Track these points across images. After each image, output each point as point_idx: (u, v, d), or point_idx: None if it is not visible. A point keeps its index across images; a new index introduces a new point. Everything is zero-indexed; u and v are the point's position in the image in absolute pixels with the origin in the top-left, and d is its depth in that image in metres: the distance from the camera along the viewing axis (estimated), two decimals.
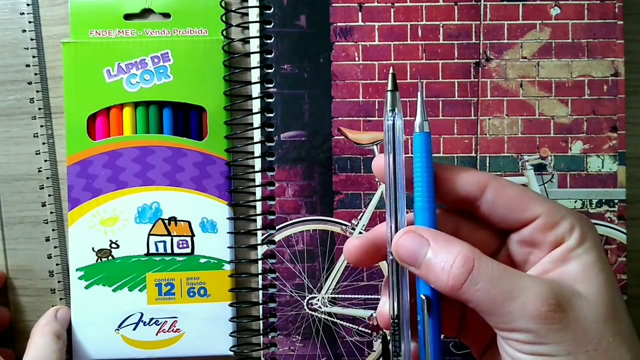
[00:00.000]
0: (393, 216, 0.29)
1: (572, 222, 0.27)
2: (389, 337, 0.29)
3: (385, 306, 0.30)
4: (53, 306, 0.47)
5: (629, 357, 0.25)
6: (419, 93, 0.29)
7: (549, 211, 0.27)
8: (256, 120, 0.47)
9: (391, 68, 0.30)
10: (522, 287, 0.25)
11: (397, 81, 0.30)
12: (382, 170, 0.29)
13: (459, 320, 0.32)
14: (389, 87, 0.29)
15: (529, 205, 0.27)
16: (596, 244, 0.27)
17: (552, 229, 0.27)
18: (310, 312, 0.47)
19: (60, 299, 0.48)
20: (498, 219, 0.28)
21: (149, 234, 0.47)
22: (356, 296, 0.46)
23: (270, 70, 0.47)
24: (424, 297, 0.28)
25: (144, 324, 0.47)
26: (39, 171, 0.48)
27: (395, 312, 0.29)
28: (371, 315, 0.46)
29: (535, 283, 0.26)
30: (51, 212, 0.48)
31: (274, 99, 0.47)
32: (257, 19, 0.47)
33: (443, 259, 0.26)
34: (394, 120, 0.29)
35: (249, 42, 0.47)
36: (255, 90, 0.47)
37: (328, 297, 0.47)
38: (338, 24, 0.46)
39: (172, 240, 0.47)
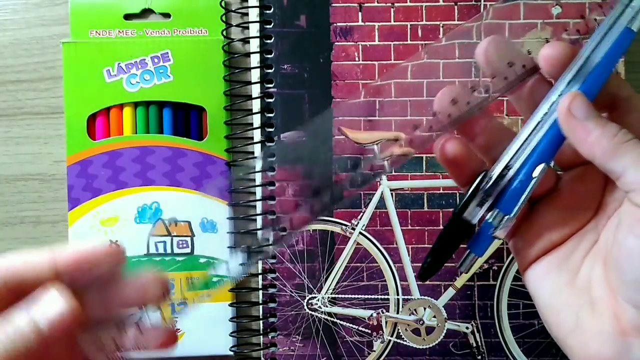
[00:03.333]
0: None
1: None
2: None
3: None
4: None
5: None
6: None
7: None
8: (256, 120, 0.47)
9: None
10: None
11: (398, 81, 0.30)
12: (560, 57, 0.29)
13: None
14: None
15: None
16: None
17: None
18: (310, 312, 0.47)
19: None
20: (625, 127, 0.28)
21: (149, 234, 0.47)
22: (356, 296, 0.46)
23: (270, 70, 0.47)
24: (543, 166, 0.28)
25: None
26: (39, 171, 0.48)
27: (510, 163, 0.29)
28: (371, 315, 0.46)
29: None
30: (51, 212, 0.48)
31: (274, 99, 0.47)
32: (257, 19, 0.47)
33: (610, 124, 0.27)
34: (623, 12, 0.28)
35: (249, 42, 0.47)
36: (255, 90, 0.47)
37: (328, 297, 0.47)
38: (338, 24, 0.46)
39: (172, 240, 0.47)
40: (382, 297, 0.46)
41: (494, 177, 0.29)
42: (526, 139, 0.29)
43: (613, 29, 0.28)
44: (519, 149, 0.29)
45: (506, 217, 0.29)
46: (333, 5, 0.46)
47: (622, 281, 0.27)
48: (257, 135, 0.47)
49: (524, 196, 0.29)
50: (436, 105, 0.31)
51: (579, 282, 0.29)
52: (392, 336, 0.46)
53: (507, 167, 0.29)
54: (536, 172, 0.29)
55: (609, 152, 0.26)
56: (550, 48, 0.29)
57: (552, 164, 0.29)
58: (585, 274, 0.29)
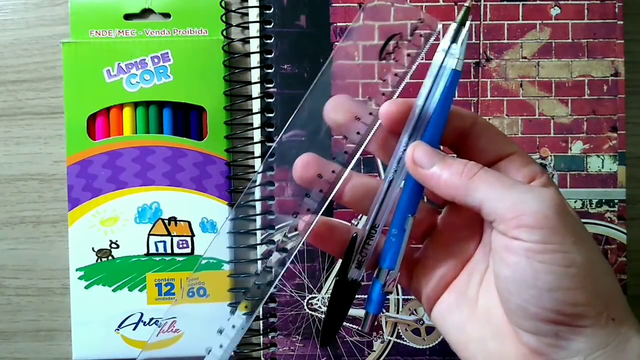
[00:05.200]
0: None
1: (540, 167, 0.29)
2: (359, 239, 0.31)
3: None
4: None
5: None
6: (466, 26, 0.29)
7: (521, 151, 0.29)
8: (256, 120, 0.47)
9: (469, 1, 0.29)
10: (525, 185, 0.27)
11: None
12: (398, 113, 0.30)
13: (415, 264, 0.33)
14: (460, 20, 0.29)
15: (507, 142, 0.30)
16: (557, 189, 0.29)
17: (526, 166, 0.29)
18: (310, 312, 0.47)
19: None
20: (480, 151, 0.30)
21: (149, 234, 0.47)
22: (356, 296, 0.46)
23: (270, 70, 0.47)
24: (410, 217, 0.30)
25: (144, 324, 0.47)
26: (39, 171, 0.48)
27: (375, 222, 0.31)
28: None
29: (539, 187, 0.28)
30: (51, 212, 0.48)
31: (274, 99, 0.47)
32: (257, 19, 0.47)
33: (456, 163, 0.28)
34: (445, 57, 0.29)
35: (249, 42, 0.47)
36: (255, 90, 0.47)
37: (328, 297, 0.46)
38: (338, 24, 0.46)
39: (172, 240, 0.47)
40: None
41: (364, 239, 0.31)
42: (384, 196, 0.31)
43: (440, 75, 0.29)
44: (379, 207, 0.31)
45: (390, 271, 0.31)
46: (333, 5, 0.46)
47: (507, 309, 0.28)
48: (257, 135, 0.47)
49: (401, 250, 0.30)
50: (305, 184, 0.32)
51: (479, 312, 0.30)
52: (392, 336, 0.46)
53: (374, 227, 0.31)
54: (407, 226, 0.30)
55: (463, 190, 0.27)
56: (387, 106, 0.30)
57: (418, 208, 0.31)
58: (483, 303, 0.30)
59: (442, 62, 0.29)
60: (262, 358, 0.47)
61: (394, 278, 0.31)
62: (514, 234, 0.26)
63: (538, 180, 0.28)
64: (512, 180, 0.27)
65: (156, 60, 0.47)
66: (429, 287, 0.31)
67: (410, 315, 0.46)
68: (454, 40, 0.29)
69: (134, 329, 0.47)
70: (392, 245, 0.31)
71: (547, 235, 0.25)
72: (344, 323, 0.47)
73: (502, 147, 0.29)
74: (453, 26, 0.29)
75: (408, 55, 0.32)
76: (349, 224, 0.33)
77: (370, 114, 0.32)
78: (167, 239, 0.47)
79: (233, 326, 0.38)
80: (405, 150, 0.29)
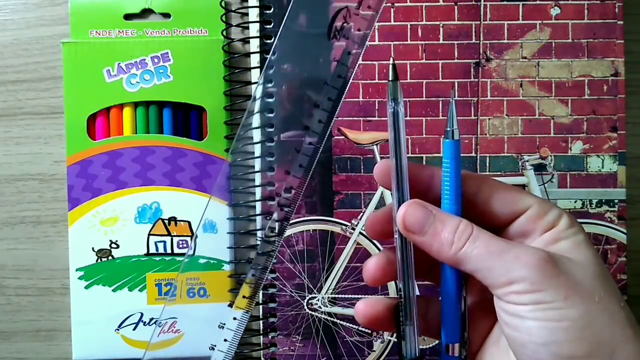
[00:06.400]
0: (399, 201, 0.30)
1: (560, 211, 0.29)
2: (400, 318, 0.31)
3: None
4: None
5: (623, 313, 0.27)
6: (452, 101, 0.30)
7: (539, 202, 0.29)
8: (256, 120, 0.47)
9: (391, 58, 0.30)
10: (516, 246, 0.27)
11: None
12: (384, 174, 0.30)
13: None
14: (390, 78, 0.30)
15: (521, 197, 0.29)
16: (583, 228, 0.29)
17: (543, 217, 0.28)
18: (310, 312, 0.47)
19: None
20: (492, 214, 0.29)
21: (149, 234, 0.47)
22: (356, 296, 0.46)
23: (270, 71, 0.47)
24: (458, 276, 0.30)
25: (144, 324, 0.47)
26: (39, 171, 0.48)
27: (402, 293, 0.30)
28: None
29: (529, 246, 0.28)
30: (51, 212, 0.48)
31: (274, 99, 0.47)
32: (257, 19, 0.47)
33: (448, 224, 0.28)
34: (394, 109, 0.30)
35: (249, 42, 0.47)
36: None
37: (328, 297, 0.47)
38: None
39: (172, 240, 0.47)
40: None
41: (402, 307, 0.30)
42: (404, 254, 0.30)
43: (398, 126, 0.30)
44: (405, 269, 0.30)
45: (456, 345, 0.30)
46: (333, 5, 0.46)
47: None
48: (257, 135, 0.47)
49: (459, 318, 0.30)
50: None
51: None
52: (392, 336, 0.46)
53: (401, 291, 0.30)
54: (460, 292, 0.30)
55: (454, 261, 0.28)
56: (376, 166, 0.31)
57: None
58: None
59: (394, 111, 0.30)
60: (262, 358, 0.47)
61: (465, 347, 0.30)
62: (507, 299, 0.27)
63: (555, 228, 0.28)
64: (505, 244, 0.27)
65: (156, 60, 0.47)
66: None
67: None
68: (394, 96, 0.30)
69: (134, 329, 0.47)
70: (450, 314, 0.30)
71: (538, 297, 0.26)
72: (344, 323, 0.47)
73: (516, 205, 0.29)
74: (390, 85, 0.30)
75: (359, 30, 0.32)
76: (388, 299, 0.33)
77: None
78: (167, 239, 0.47)
79: (234, 318, 0.38)
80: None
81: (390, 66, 0.30)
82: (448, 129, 0.29)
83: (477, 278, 0.28)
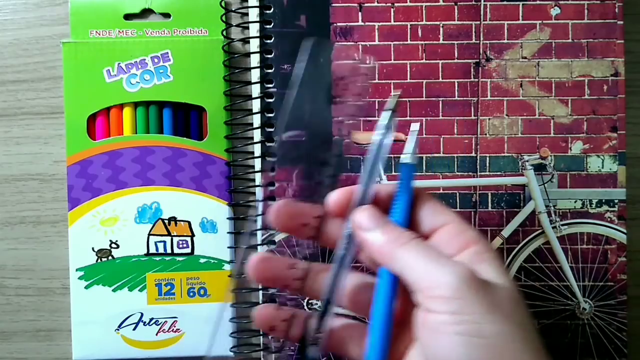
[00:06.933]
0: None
1: (478, 234, 0.30)
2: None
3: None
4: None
5: (537, 342, 0.27)
6: (416, 128, 0.31)
7: (459, 220, 0.30)
8: (256, 120, 0.47)
9: (400, 90, 0.31)
10: (448, 258, 0.28)
11: (397, 81, 0.30)
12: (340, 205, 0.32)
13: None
14: (390, 107, 0.31)
15: (444, 213, 0.31)
16: (498, 255, 0.30)
17: (459, 235, 0.30)
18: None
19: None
20: (418, 223, 0.31)
21: (149, 234, 0.47)
22: None
23: (270, 70, 0.47)
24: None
25: (144, 324, 0.47)
26: (39, 171, 0.48)
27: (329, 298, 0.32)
28: None
29: (459, 261, 0.29)
30: (51, 212, 0.48)
31: (274, 99, 0.47)
32: (257, 19, 0.47)
33: (395, 231, 0.30)
34: (381, 139, 0.31)
35: (249, 42, 0.47)
36: (255, 90, 0.47)
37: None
38: (338, 24, 0.46)
39: (172, 240, 0.47)
40: None
41: (316, 320, 0.32)
42: (337, 272, 0.32)
43: (379, 156, 0.32)
44: (333, 283, 0.32)
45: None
46: (333, 5, 0.46)
47: None
48: (257, 135, 0.47)
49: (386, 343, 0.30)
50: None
51: None
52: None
53: (328, 303, 0.32)
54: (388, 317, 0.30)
55: (389, 257, 0.29)
56: (334, 194, 0.32)
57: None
58: None
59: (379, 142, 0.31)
60: (262, 358, 0.47)
61: None
62: (428, 305, 0.27)
63: (472, 248, 0.29)
64: (438, 253, 0.28)
65: (156, 60, 0.47)
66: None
67: None
68: (388, 125, 0.31)
69: (134, 329, 0.47)
70: (376, 338, 0.30)
71: (459, 305, 0.26)
72: None
73: (437, 218, 0.30)
74: (386, 114, 0.31)
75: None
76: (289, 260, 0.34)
77: (319, 216, 0.33)
78: (167, 239, 0.47)
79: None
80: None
81: (392, 96, 0.31)
82: (410, 153, 0.31)
83: (403, 278, 0.28)
